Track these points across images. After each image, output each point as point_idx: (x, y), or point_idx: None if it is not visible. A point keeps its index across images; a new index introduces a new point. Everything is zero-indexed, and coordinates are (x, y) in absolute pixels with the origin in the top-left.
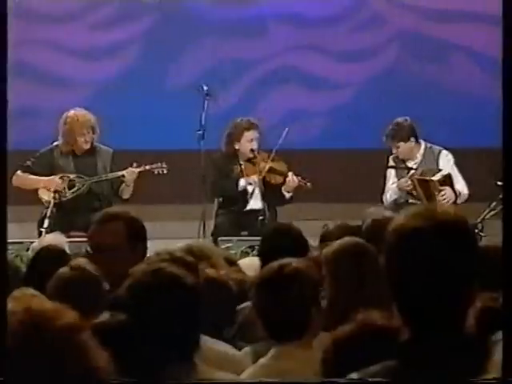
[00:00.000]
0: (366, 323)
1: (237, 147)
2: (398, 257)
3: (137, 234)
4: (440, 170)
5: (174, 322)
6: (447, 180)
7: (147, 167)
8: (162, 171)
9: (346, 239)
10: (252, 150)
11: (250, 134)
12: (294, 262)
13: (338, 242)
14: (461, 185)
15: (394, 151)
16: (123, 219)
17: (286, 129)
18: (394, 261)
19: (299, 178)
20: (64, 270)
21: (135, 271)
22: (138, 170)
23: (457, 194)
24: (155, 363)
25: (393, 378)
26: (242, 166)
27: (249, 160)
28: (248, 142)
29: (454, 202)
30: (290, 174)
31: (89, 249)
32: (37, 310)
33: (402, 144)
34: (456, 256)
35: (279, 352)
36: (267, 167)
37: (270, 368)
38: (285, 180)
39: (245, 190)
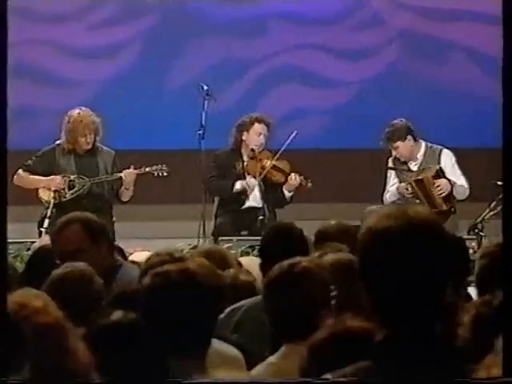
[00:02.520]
0: (338, 327)
1: (244, 138)
2: (370, 257)
3: (97, 232)
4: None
5: (189, 320)
6: (440, 173)
7: (147, 169)
8: (162, 173)
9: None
10: (252, 150)
11: (259, 127)
12: (303, 261)
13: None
14: (461, 181)
15: (394, 153)
16: (79, 221)
17: (295, 132)
18: (367, 261)
19: (301, 177)
20: (59, 270)
21: (158, 269)
22: (138, 172)
23: (451, 184)
24: (165, 360)
25: (366, 379)
26: (245, 163)
27: (252, 157)
28: (255, 135)
29: (451, 193)
30: (292, 173)
31: (57, 260)
32: (20, 306)
33: (400, 143)
34: (427, 255)
35: (288, 351)
36: (270, 165)
37: (278, 367)
38: (286, 179)
39: (241, 192)
